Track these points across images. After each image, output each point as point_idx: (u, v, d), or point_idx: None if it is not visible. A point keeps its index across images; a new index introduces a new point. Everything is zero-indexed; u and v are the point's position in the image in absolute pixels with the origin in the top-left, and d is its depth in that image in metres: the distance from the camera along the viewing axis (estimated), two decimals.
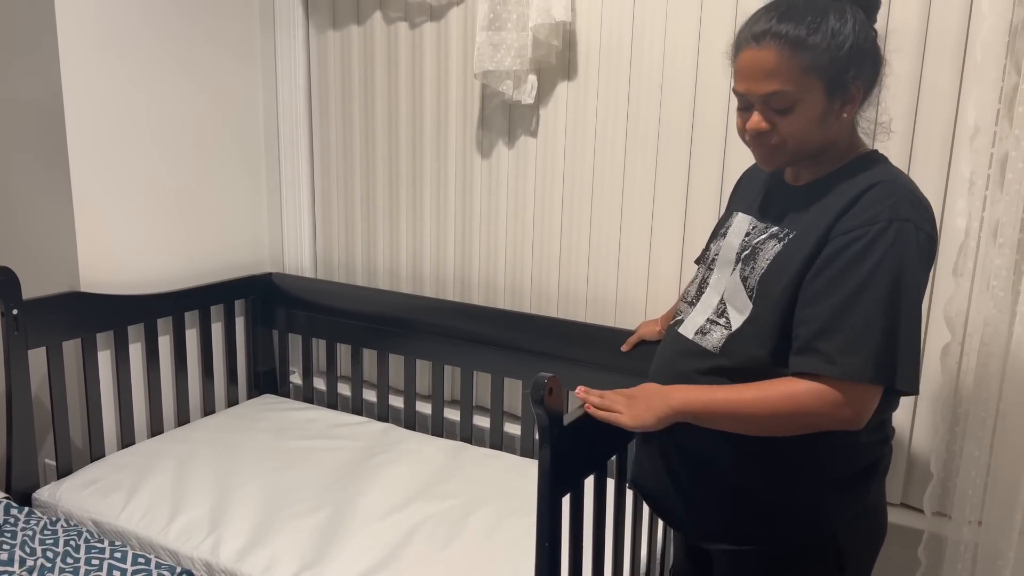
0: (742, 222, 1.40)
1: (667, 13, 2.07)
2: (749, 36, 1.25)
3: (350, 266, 2.75)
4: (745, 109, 1.28)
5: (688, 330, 1.40)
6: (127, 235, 2.38)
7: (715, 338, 1.34)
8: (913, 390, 1.21)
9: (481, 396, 2.51)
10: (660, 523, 1.87)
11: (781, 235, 1.30)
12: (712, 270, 1.42)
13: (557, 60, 2.22)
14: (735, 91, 1.29)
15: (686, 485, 1.37)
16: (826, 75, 1.21)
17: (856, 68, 1.23)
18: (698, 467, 1.35)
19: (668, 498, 1.42)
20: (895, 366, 1.18)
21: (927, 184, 1.82)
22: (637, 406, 1.32)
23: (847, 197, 1.23)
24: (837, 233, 1.21)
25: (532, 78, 2.23)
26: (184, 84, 2.48)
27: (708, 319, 1.37)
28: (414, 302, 2.50)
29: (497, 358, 2.34)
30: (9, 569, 1.70)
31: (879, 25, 1.30)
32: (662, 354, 1.47)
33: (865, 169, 1.27)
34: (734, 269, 1.35)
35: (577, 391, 1.41)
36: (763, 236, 1.33)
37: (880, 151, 1.34)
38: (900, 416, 1.93)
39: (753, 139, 1.29)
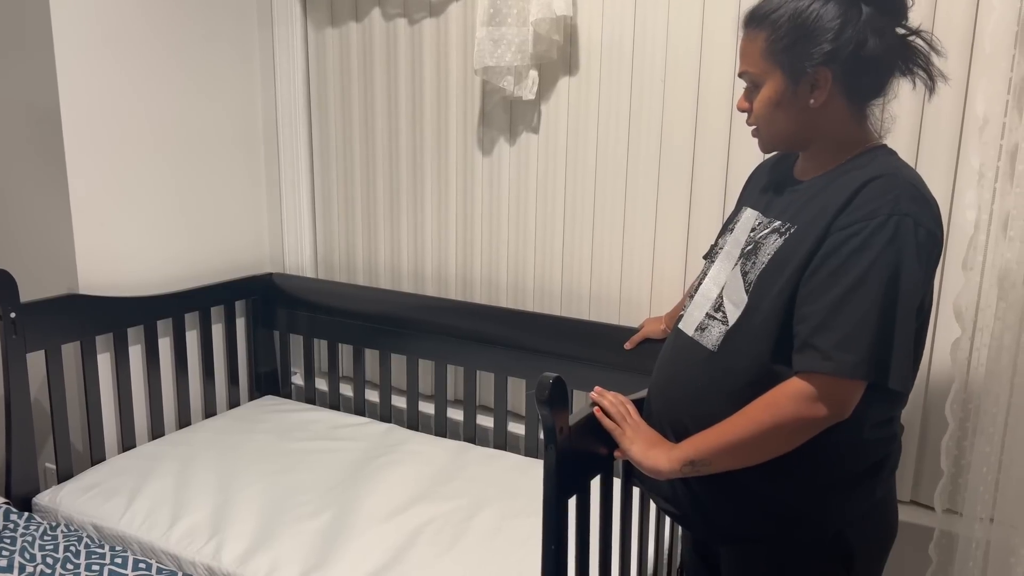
0: (749, 217, 1.39)
1: (669, 6, 2.04)
2: None
3: (351, 265, 2.73)
4: None
5: (688, 326, 1.39)
6: (126, 236, 2.36)
7: (714, 335, 1.32)
8: (905, 388, 1.19)
9: (484, 395, 2.49)
10: (667, 522, 1.85)
11: (782, 229, 1.28)
12: (713, 262, 1.41)
13: (558, 55, 2.19)
14: None
15: (693, 485, 1.36)
16: (781, 59, 1.24)
17: (823, 53, 1.21)
18: None
19: (676, 498, 1.40)
20: (889, 364, 1.16)
21: (936, 176, 1.80)
22: (643, 441, 1.36)
23: (847, 191, 1.21)
24: (836, 228, 1.19)
25: (533, 74, 2.21)
26: (181, 83, 2.46)
27: (707, 313, 1.36)
28: (416, 301, 2.48)
29: (500, 357, 2.32)
30: None
31: None
32: (664, 353, 1.46)
33: (869, 164, 1.25)
34: (736, 264, 1.34)
35: (592, 393, 1.42)
36: (766, 231, 1.31)
37: (890, 145, 1.32)
38: (910, 412, 1.91)
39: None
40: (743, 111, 1.34)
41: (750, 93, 1.31)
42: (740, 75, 1.32)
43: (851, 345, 1.15)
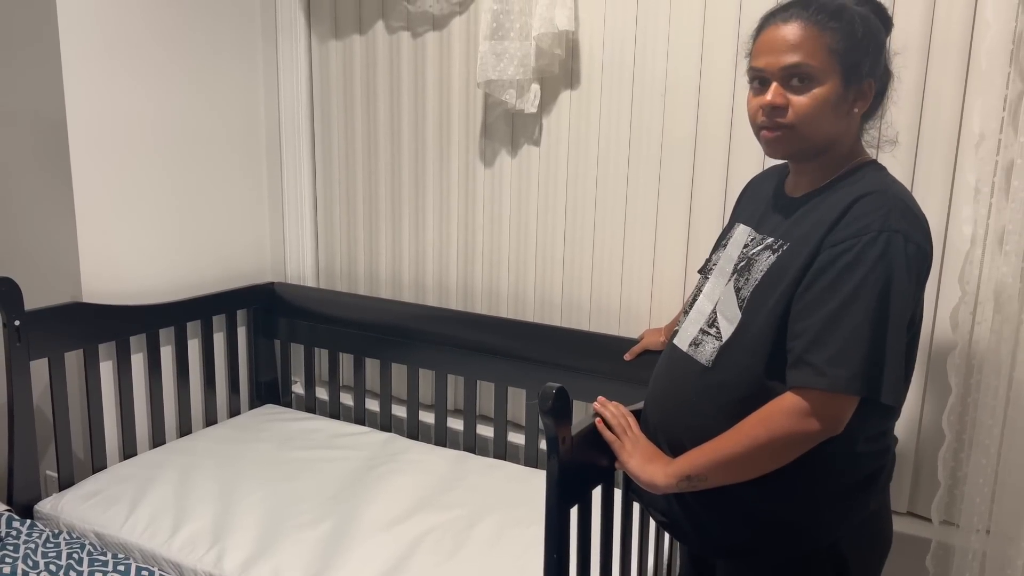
0: (742, 234, 1.40)
1: (670, 21, 2.07)
2: (775, 14, 1.27)
3: (352, 275, 2.75)
4: (760, 90, 1.27)
5: (683, 341, 1.40)
6: (129, 245, 2.37)
7: (708, 351, 1.34)
8: (897, 403, 1.21)
9: (484, 405, 2.50)
10: (666, 534, 1.86)
11: (775, 246, 1.30)
12: (707, 279, 1.42)
13: (560, 69, 2.22)
14: (753, 68, 1.27)
15: (688, 499, 1.37)
16: (845, 61, 1.22)
17: (872, 63, 1.25)
18: None
19: (672, 511, 1.42)
20: (881, 378, 1.17)
21: (932, 192, 1.82)
22: (641, 455, 1.37)
23: (839, 208, 1.23)
24: (828, 245, 1.21)
25: (535, 87, 2.23)
26: (186, 94, 2.48)
27: (701, 329, 1.37)
28: (416, 311, 2.49)
29: (500, 367, 2.33)
30: None
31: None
32: (659, 366, 1.47)
33: (860, 180, 1.27)
34: (729, 280, 1.35)
35: (595, 404, 1.44)
36: (759, 248, 1.33)
37: (882, 162, 1.34)
38: (907, 425, 1.92)
39: (766, 116, 1.25)
40: (777, 106, 1.23)
41: (789, 89, 1.23)
42: (785, 67, 1.22)
43: (845, 360, 1.16)
